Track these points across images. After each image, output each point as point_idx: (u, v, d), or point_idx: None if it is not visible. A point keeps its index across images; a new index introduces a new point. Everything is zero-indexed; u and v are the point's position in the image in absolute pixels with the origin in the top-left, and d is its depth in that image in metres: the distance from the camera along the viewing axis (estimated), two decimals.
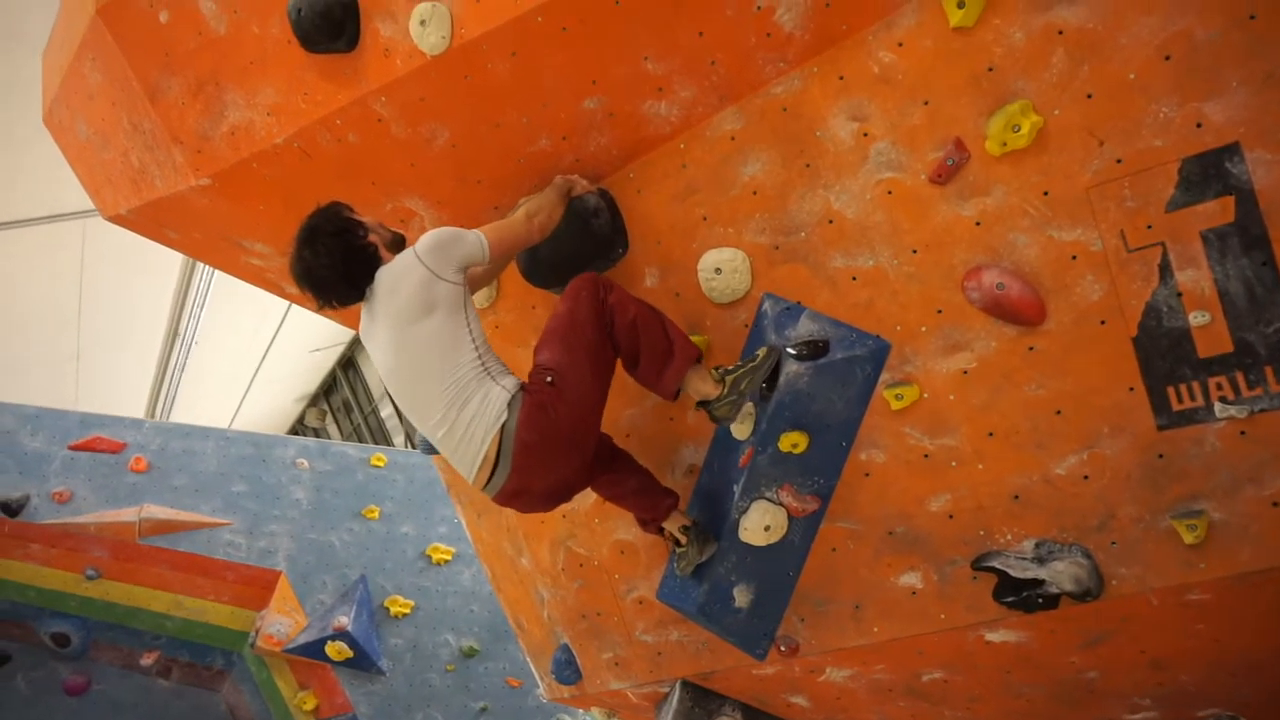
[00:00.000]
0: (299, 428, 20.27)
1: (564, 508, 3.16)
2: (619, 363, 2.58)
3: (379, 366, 2.58)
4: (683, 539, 2.68)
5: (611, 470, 2.74)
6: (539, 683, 3.79)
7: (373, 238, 2.55)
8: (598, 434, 2.61)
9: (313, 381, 17.91)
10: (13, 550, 6.78)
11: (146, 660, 7.36)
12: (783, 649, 2.75)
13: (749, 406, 2.58)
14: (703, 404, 2.51)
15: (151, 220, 3.73)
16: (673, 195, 2.78)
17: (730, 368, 2.47)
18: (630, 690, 3.22)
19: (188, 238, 3.82)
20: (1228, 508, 2.13)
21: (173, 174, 3.32)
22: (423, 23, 2.62)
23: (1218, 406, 2.11)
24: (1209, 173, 2.08)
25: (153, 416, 15.32)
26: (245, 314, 12.18)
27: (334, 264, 2.47)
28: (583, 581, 3.18)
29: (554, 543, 3.22)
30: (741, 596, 2.70)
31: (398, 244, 2.61)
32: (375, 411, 17.31)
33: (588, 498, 3.12)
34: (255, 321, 13.16)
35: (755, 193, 2.64)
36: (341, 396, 18.15)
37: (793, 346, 2.52)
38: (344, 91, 2.84)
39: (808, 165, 2.55)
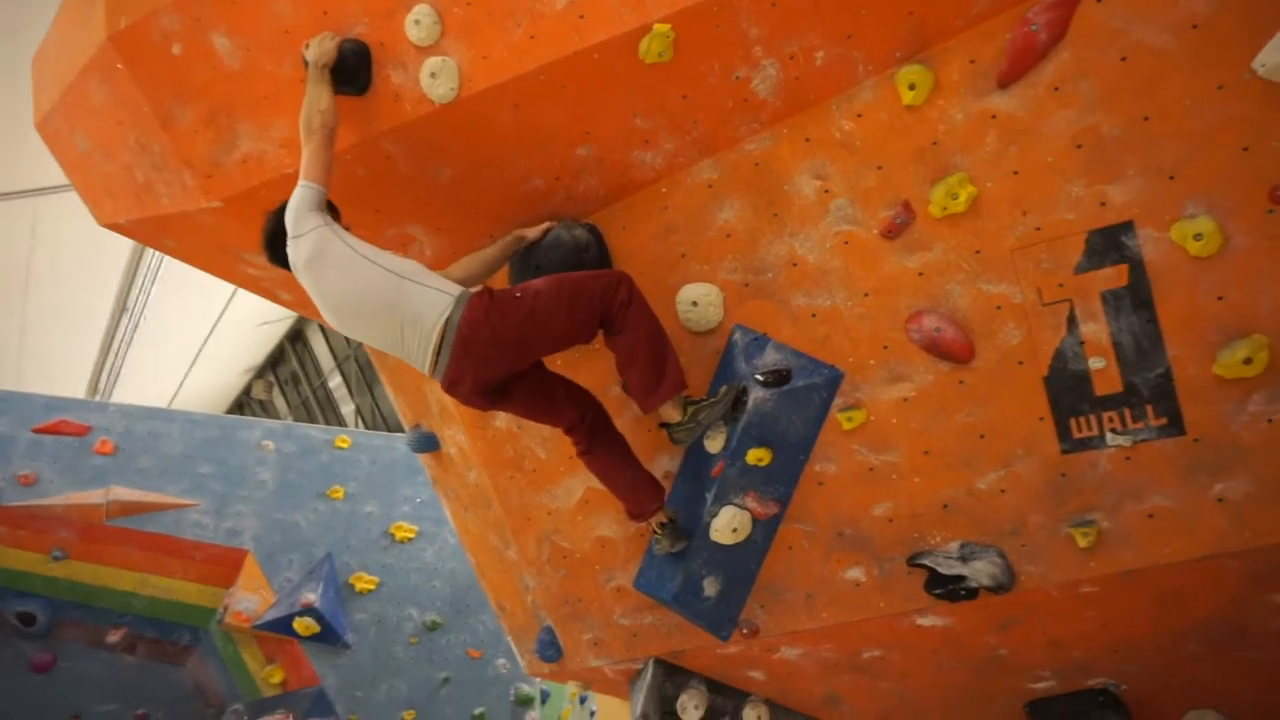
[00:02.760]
0: (244, 399, 20.12)
1: (549, 506, 3.53)
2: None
3: (337, 327, 2.87)
4: (660, 532, 3.05)
5: (606, 452, 2.99)
6: (519, 659, 4.17)
7: None
8: (539, 361, 2.88)
9: (259, 354, 17.80)
10: None
11: (113, 637, 7.54)
12: (744, 631, 3.16)
13: (720, 425, 2.96)
14: (664, 425, 2.89)
15: (152, 231, 3.92)
16: (655, 233, 3.12)
17: (696, 400, 2.85)
18: (607, 667, 3.62)
19: (185, 248, 4.02)
20: (1114, 519, 2.59)
21: (181, 194, 3.52)
22: (433, 75, 2.89)
23: (1109, 436, 2.57)
24: (1109, 244, 2.51)
25: (96, 390, 15.13)
26: (193, 288, 12.15)
27: (268, 231, 2.89)
28: (566, 571, 3.55)
29: (540, 537, 3.58)
30: (710, 586, 3.10)
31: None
32: (324, 385, 17.31)
33: (571, 497, 3.48)
34: (203, 296, 13.09)
35: (729, 235, 3.00)
36: (290, 369, 18.08)
37: (760, 374, 2.90)
38: (355, 131, 3.10)
39: (775, 214, 2.92)
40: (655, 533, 3.07)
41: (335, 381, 17.03)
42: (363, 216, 3.34)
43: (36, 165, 7.32)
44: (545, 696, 8.28)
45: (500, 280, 3.43)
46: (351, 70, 2.98)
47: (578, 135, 2.98)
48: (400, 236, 3.40)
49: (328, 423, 18.10)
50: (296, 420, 18.86)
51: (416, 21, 2.87)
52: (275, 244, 2.88)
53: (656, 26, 2.63)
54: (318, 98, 2.84)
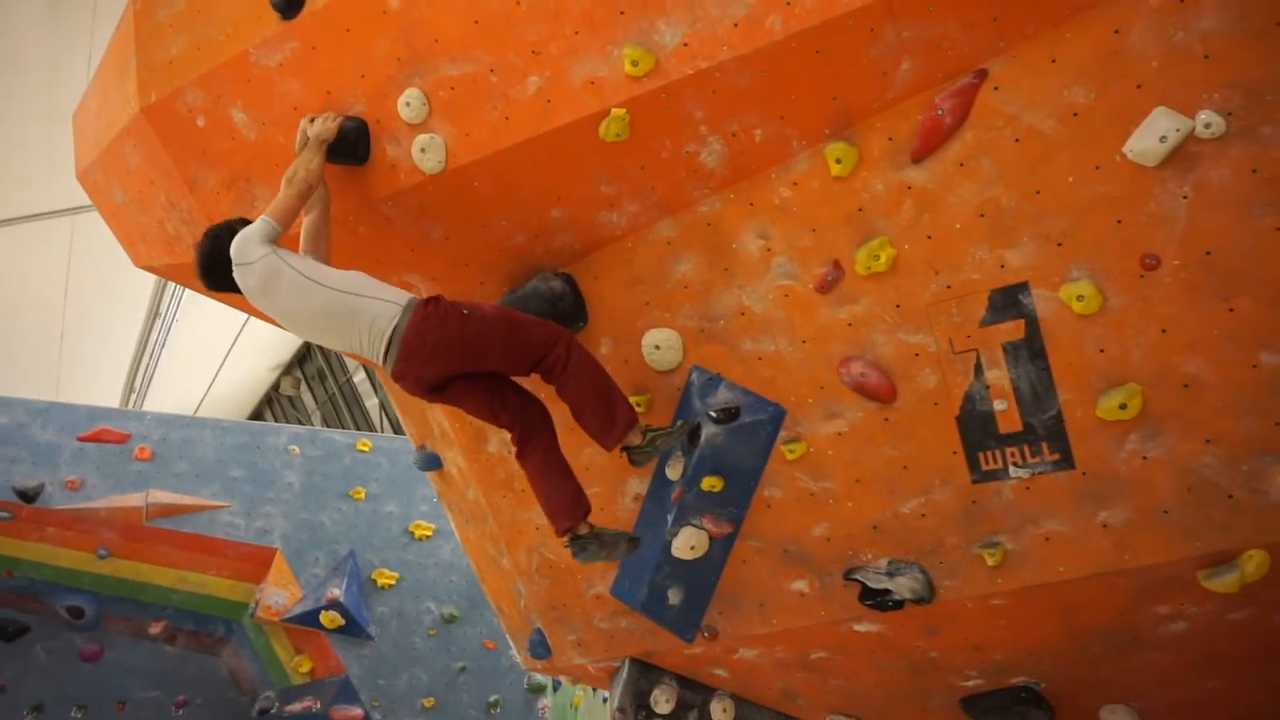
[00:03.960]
0: (272, 394, 20.75)
1: (537, 522, 3.95)
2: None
3: (298, 335, 3.32)
4: (569, 546, 3.20)
5: (533, 462, 3.23)
6: (516, 654, 4.60)
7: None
8: (478, 372, 3.15)
9: (287, 351, 18.39)
10: (30, 533, 7.44)
11: (154, 629, 8.10)
12: (706, 635, 3.56)
13: (678, 454, 3.36)
14: (625, 449, 3.24)
15: (180, 275, 4.37)
16: (622, 283, 3.50)
17: (655, 429, 3.23)
18: (590, 664, 4.04)
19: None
20: (1016, 541, 2.95)
21: None
22: (423, 150, 3.29)
23: (1011, 469, 2.92)
24: (1009, 301, 2.85)
25: (132, 390, 15.77)
26: None
27: (201, 263, 3.26)
28: (552, 580, 3.97)
29: (529, 549, 4.00)
30: (674, 596, 3.50)
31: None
32: (349, 380, 17.88)
33: None
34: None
35: (686, 286, 3.38)
36: (316, 365, 18.65)
37: (713, 411, 3.29)
38: (357, 196, 3.50)
39: (726, 269, 3.29)
40: (567, 547, 3.23)
41: (360, 377, 17.56)
42: (366, 267, 3.72)
43: (74, 185, 7.85)
44: (556, 685, 8.75)
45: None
46: (352, 144, 3.38)
47: (551, 199, 3.36)
48: (401, 284, 3.80)
49: (352, 416, 18.70)
50: (323, 414, 19.50)
51: (407, 104, 3.26)
52: (213, 271, 3.21)
53: (614, 110, 3.01)
54: (309, 159, 3.22)
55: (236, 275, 3.17)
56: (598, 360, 3.26)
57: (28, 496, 7.37)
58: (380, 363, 3.12)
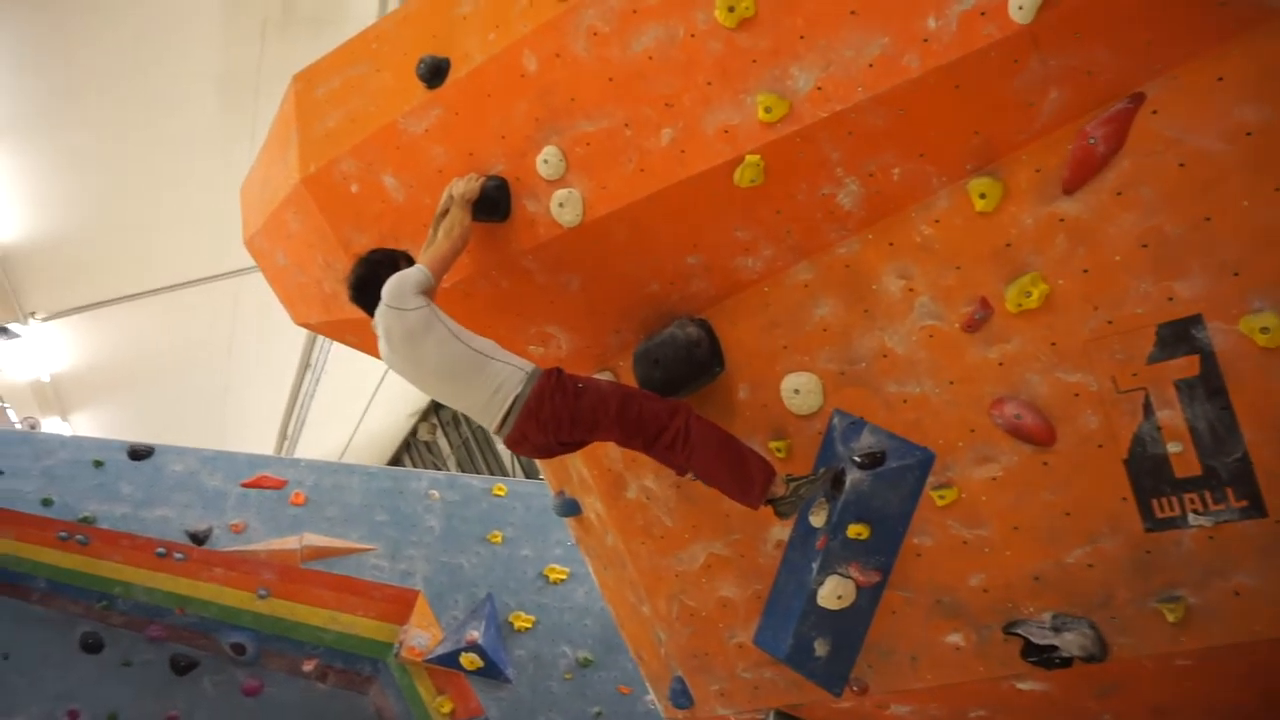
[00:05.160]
0: (410, 440, 21.68)
1: (676, 569, 3.93)
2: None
3: (411, 382, 3.46)
4: (784, 490, 3.18)
5: (696, 456, 3.21)
6: (655, 702, 4.57)
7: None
8: (584, 437, 3.28)
9: (424, 399, 19.21)
10: (200, 573, 7.98)
11: (307, 666, 8.49)
12: (855, 689, 3.43)
13: (822, 501, 3.28)
14: (770, 500, 3.22)
15: (335, 330, 4.65)
16: (759, 328, 3.48)
17: (798, 478, 3.17)
18: (733, 715, 3.96)
19: (361, 343, 4.71)
20: (1200, 595, 2.71)
21: None
22: (561, 204, 3.39)
23: (1191, 516, 2.70)
24: (1179, 336, 2.66)
25: (285, 436, 16.81)
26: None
27: (356, 279, 3.42)
28: (693, 628, 3.93)
29: (669, 596, 3.98)
30: (821, 647, 3.39)
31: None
32: (483, 426, 18.45)
33: (695, 561, 3.87)
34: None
35: (825, 329, 3.33)
36: (450, 411, 19.41)
37: (857, 456, 3.20)
38: (498, 251, 3.64)
39: (866, 310, 3.22)
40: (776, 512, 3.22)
41: None
42: (507, 319, 3.89)
43: (236, 251, 8.54)
44: None
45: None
46: (494, 202, 3.52)
47: (687, 247, 3.40)
48: (540, 334, 3.93)
49: (485, 460, 19.27)
50: (457, 458, 20.18)
51: (545, 161, 3.38)
52: (366, 290, 3.37)
53: (748, 157, 3.02)
54: (461, 218, 3.40)
55: (383, 314, 3.29)
56: (718, 427, 3.26)
57: (198, 539, 7.95)
58: (496, 425, 3.26)
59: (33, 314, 10.82)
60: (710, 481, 3.24)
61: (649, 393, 3.34)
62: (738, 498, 3.20)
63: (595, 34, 3.14)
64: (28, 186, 8.74)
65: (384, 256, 3.48)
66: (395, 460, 22.18)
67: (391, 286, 3.27)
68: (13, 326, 10.83)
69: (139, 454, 8.26)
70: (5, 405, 12.39)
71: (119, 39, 7.80)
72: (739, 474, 3.16)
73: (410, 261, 3.44)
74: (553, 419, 3.16)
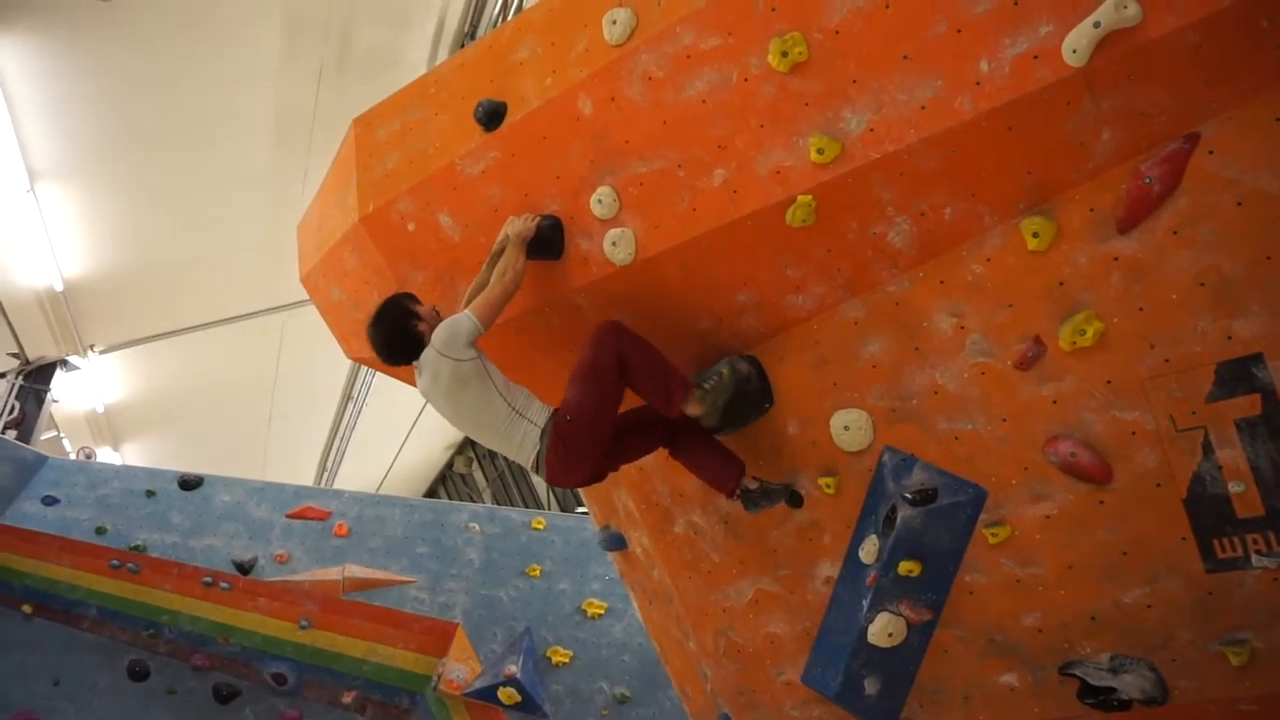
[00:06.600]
0: (446, 472, 21.83)
1: (723, 604, 3.93)
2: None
3: (447, 419, 3.63)
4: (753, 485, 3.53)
5: (683, 450, 3.65)
6: None
7: (423, 326, 3.54)
8: (605, 444, 3.44)
9: (460, 433, 19.37)
10: (244, 603, 8.09)
11: (347, 698, 8.52)
12: None
13: (874, 537, 3.28)
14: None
15: (385, 366, 4.75)
16: (808, 364, 3.51)
17: (705, 386, 3.43)
18: None
19: (409, 375, 4.81)
20: (1266, 638, 2.67)
21: None
22: (614, 243, 3.47)
23: (1254, 557, 2.67)
24: (1239, 375, 2.65)
25: (325, 467, 17.03)
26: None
27: (385, 340, 3.57)
28: (740, 665, 3.92)
29: (716, 632, 3.98)
30: (871, 685, 3.37)
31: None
32: None
33: (743, 597, 3.87)
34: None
35: (875, 366, 3.35)
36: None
37: (908, 493, 3.20)
38: (551, 288, 3.73)
39: (916, 348, 3.24)
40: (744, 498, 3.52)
41: None
42: (560, 355, 3.95)
43: (285, 285, 8.77)
44: None
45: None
46: (548, 241, 3.62)
47: (737, 285, 3.45)
48: None
49: (521, 493, 19.32)
50: (493, 491, 20.26)
51: (599, 200, 3.47)
52: (395, 351, 3.56)
53: (800, 198, 3.08)
54: (515, 259, 3.49)
55: (434, 361, 3.41)
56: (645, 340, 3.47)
57: (244, 569, 8.07)
58: (531, 467, 3.52)
59: (91, 346, 11.17)
60: (694, 467, 3.65)
61: (586, 358, 3.42)
62: (664, 407, 3.44)
63: (650, 79, 3.23)
64: (92, 224, 9.09)
65: (395, 309, 3.60)
66: (431, 492, 22.34)
67: (444, 335, 3.40)
68: (73, 359, 11.18)
69: (189, 484, 8.45)
70: (60, 435, 12.74)
71: (180, 84, 8.13)
72: (660, 383, 3.42)
73: (411, 299, 3.63)
74: (577, 459, 3.41)
